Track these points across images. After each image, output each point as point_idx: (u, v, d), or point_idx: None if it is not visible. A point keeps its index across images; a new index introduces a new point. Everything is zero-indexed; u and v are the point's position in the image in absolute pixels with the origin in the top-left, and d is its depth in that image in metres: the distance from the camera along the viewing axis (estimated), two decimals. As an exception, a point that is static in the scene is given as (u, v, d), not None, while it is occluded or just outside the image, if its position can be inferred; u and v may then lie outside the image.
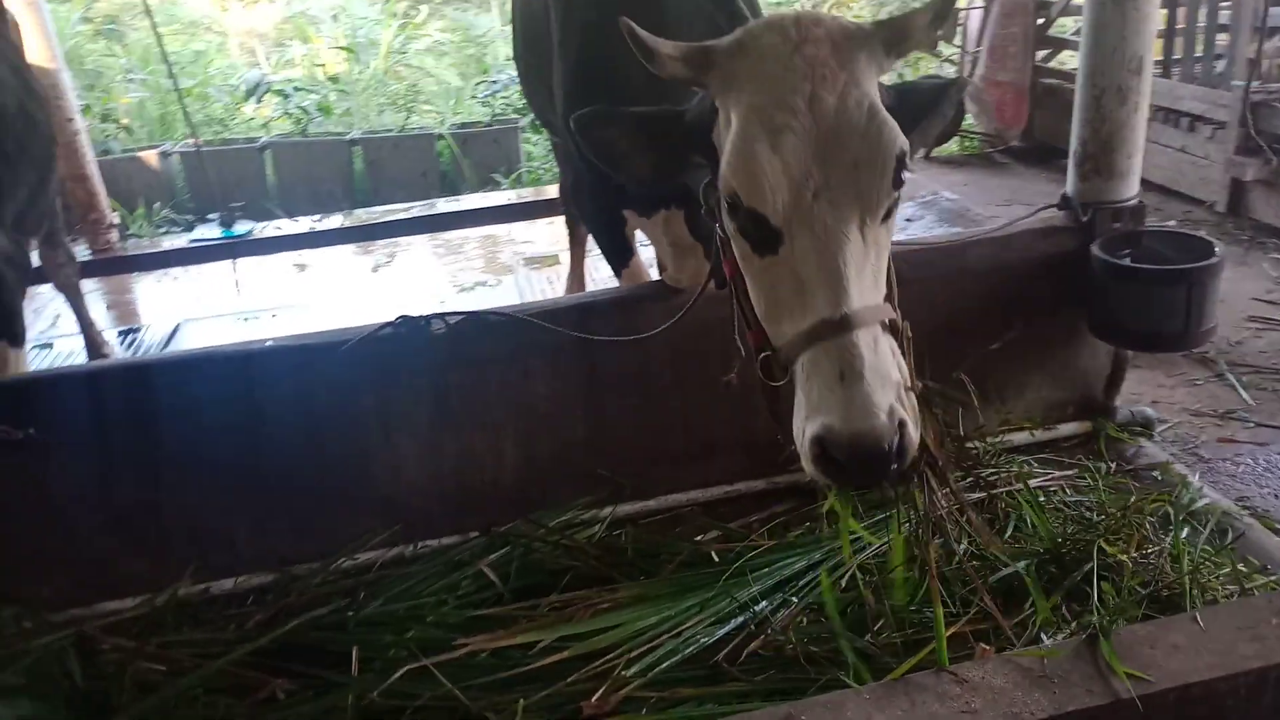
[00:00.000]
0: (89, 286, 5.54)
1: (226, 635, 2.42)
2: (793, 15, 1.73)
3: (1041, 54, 6.77)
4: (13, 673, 2.29)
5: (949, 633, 2.01)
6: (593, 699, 2.03)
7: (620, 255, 2.95)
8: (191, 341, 4.93)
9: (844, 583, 2.35)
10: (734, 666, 2.13)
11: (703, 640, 2.18)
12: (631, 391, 2.85)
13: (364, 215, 6.63)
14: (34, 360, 4.66)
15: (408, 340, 2.59)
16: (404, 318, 2.59)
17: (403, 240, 6.34)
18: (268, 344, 2.65)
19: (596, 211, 2.88)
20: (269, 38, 10.10)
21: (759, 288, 1.77)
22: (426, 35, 9.36)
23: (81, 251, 5.69)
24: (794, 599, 2.29)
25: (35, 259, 4.22)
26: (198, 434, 2.65)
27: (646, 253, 3.15)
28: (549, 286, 5.09)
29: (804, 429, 1.62)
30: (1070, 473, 2.73)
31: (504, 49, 9.00)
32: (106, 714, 2.14)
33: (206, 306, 5.39)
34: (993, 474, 2.67)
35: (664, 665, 2.11)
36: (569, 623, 2.29)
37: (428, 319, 2.59)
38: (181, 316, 5.25)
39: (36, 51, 5.04)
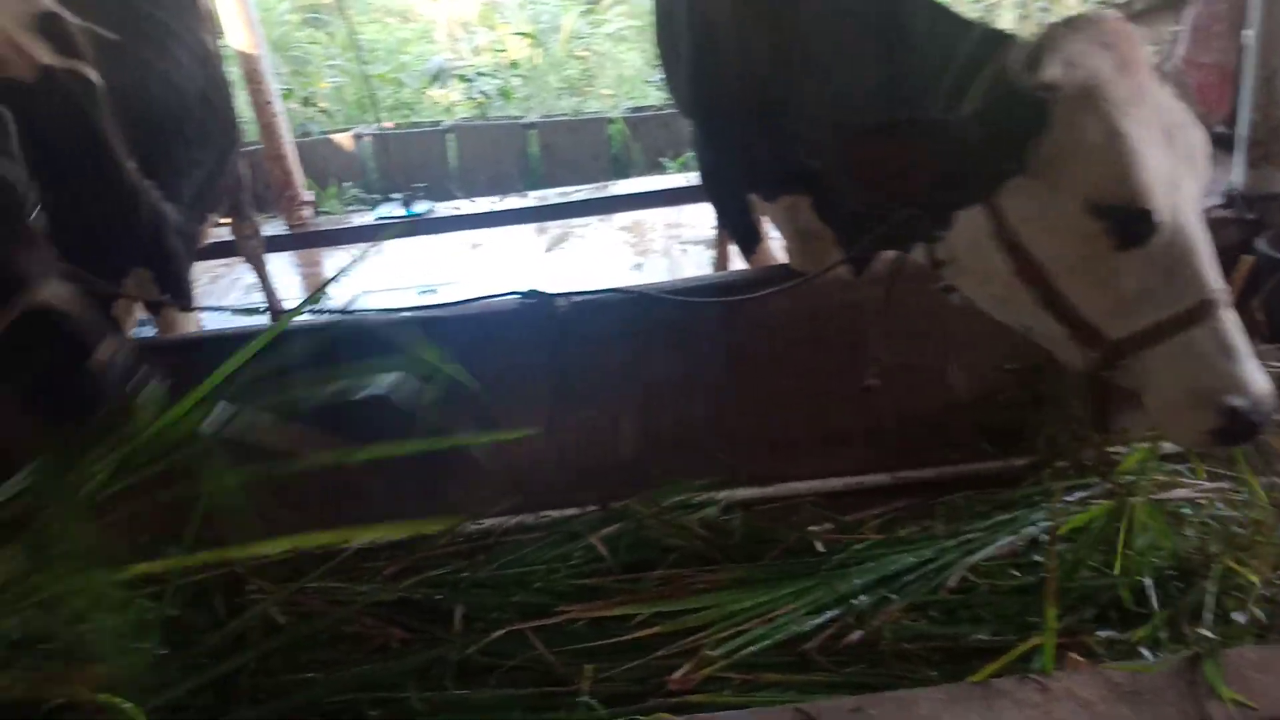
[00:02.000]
0: (284, 259, 6.02)
1: (355, 586, 2.59)
2: (1099, 15, 1.85)
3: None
4: (169, 603, 2.55)
5: (1031, 644, 1.91)
6: (677, 675, 2.05)
7: (748, 240, 2.94)
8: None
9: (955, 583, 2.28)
10: (823, 657, 2.10)
11: (794, 628, 2.15)
12: (755, 375, 2.84)
13: (537, 197, 6.85)
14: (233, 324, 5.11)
15: (534, 314, 2.68)
16: (531, 292, 2.68)
17: (575, 221, 6.53)
18: (403, 312, 2.80)
19: (723, 196, 2.89)
20: (470, 25, 10.54)
21: (1106, 284, 1.83)
22: (609, 20, 9.52)
23: (278, 226, 6.18)
24: (895, 596, 2.23)
25: (227, 233, 4.64)
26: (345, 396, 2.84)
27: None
28: (700, 269, 5.11)
29: (1199, 404, 1.76)
30: (1223, 485, 2.51)
31: (685, 33, 9.02)
32: (240, 648, 2.34)
33: (387, 280, 5.74)
34: (1131, 480, 2.49)
35: (751, 649, 2.11)
36: (667, 600, 2.32)
37: (553, 295, 2.67)
38: (363, 289, 5.61)
39: (240, 38, 5.50)
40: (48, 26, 2.64)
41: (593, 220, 6.54)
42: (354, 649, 2.38)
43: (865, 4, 2.11)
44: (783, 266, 2.86)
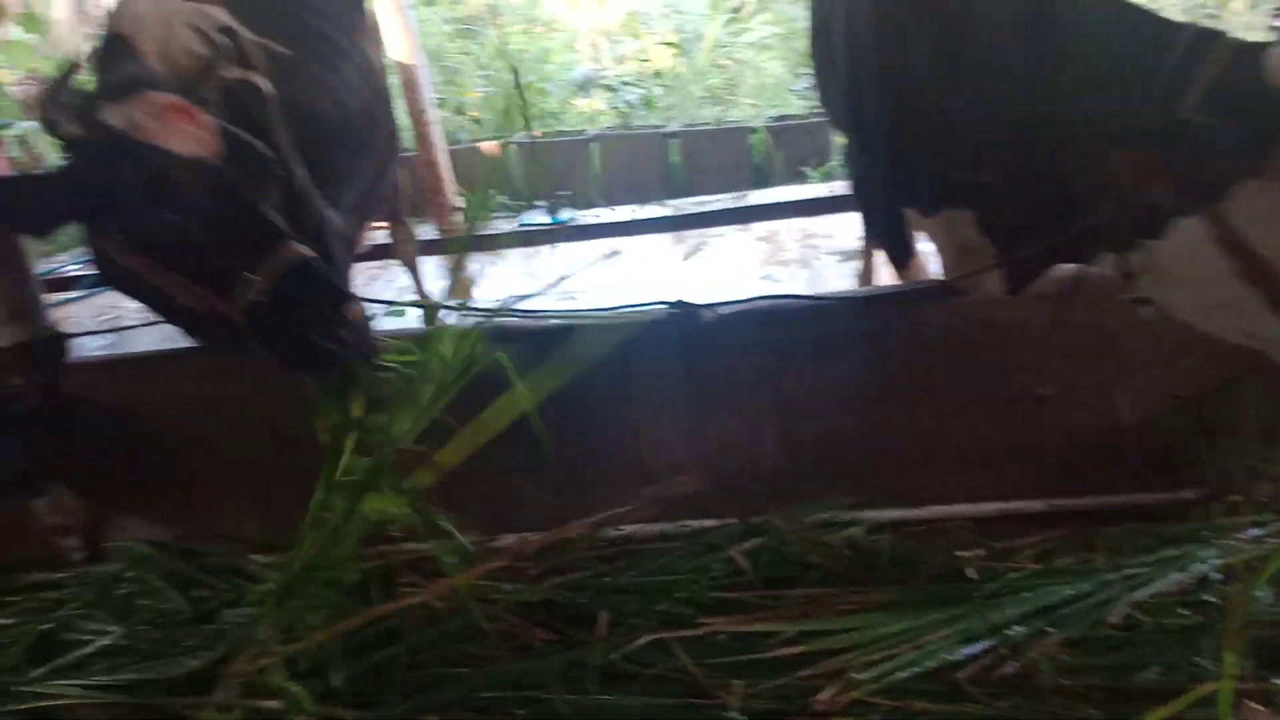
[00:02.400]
0: (433, 263, 6.23)
1: (501, 585, 2.65)
2: None
3: None
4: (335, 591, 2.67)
5: (1207, 689, 1.80)
6: (822, 695, 2.03)
7: (900, 255, 2.88)
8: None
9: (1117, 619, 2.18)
10: (976, 688, 2.04)
11: (944, 656, 2.10)
12: (905, 392, 2.77)
13: (677, 205, 6.89)
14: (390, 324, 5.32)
15: (679, 324, 2.69)
16: (678, 302, 2.69)
17: (714, 230, 6.54)
18: (554, 321, 2.86)
19: (877, 209, 2.84)
20: (612, 34, 10.68)
21: None
22: (753, 29, 9.48)
23: (428, 231, 6.40)
24: (1053, 628, 2.14)
25: (384, 236, 4.83)
26: (491, 396, 2.92)
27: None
28: (843, 282, 5.03)
29: None
30: None
31: (830, 41, 8.93)
32: (394, 638, 2.43)
33: (530, 286, 5.87)
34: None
35: (900, 675, 2.06)
36: (811, 618, 2.29)
37: (698, 305, 2.67)
38: (506, 293, 5.74)
39: (400, 50, 5.73)
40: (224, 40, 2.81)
41: (732, 229, 6.54)
42: (499, 646, 2.44)
43: (1051, 6, 2.03)
44: (937, 281, 2.78)
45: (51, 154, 8.68)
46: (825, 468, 2.84)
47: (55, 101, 2.08)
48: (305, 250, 2.11)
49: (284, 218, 2.79)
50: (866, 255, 4.28)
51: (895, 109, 2.46)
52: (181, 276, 2.10)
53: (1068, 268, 2.37)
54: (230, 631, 2.47)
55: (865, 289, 3.68)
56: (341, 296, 2.11)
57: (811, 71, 3.63)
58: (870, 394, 2.77)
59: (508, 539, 2.90)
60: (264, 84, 2.81)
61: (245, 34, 2.88)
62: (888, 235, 2.90)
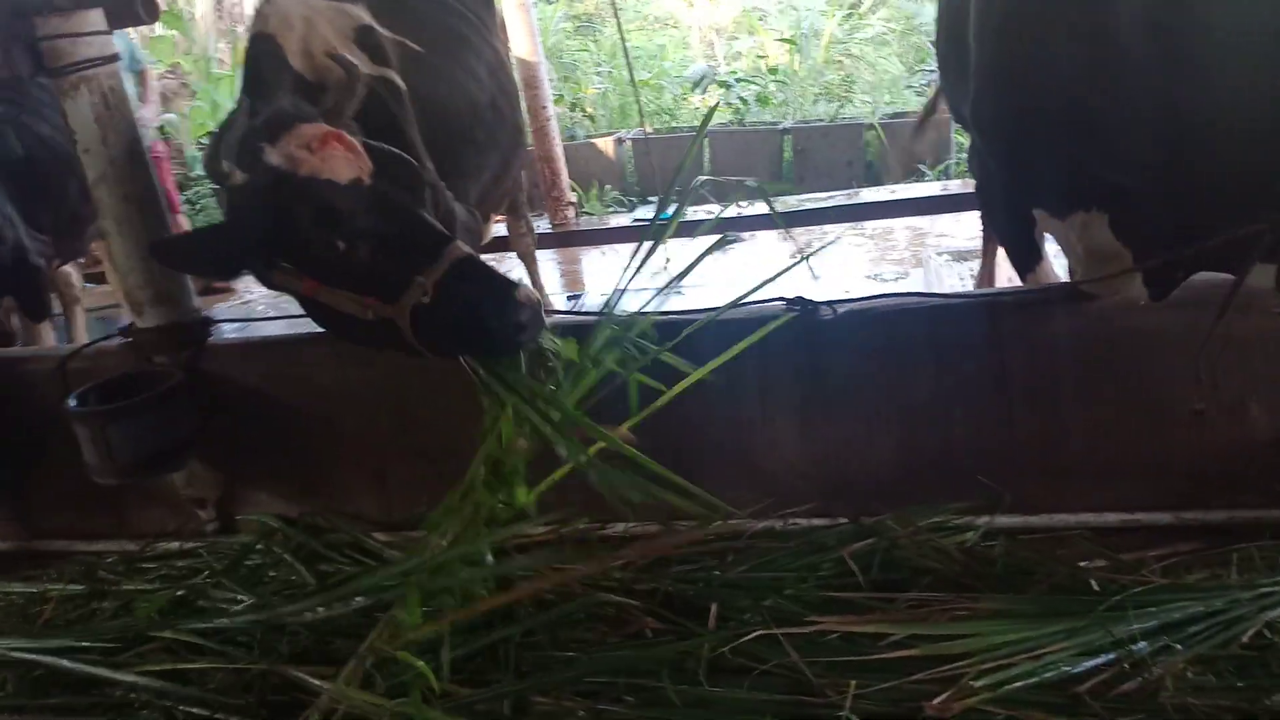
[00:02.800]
0: (546, 255, 6.34)
1: (614, 572, 2.69)
2: None
3: None
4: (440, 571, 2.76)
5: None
6: (936, 701, 2.00)
7: (1026, 258, 2.80)
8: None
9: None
10: (1097, 702, 1.98)
11: (1065, 668, 2.04)
12: (1027, 397, 2.70)
13: (789, 203, 6.85)
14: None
15: (796, 322, 2.69)
16: (797, 299, 2.68)
17: (824, 228, 6.47)
18: (672, 312, 2.88)
19: (1003, 209, 2.76)
20: (725, 31, 10.68)
21: None
22: (870, 25, 9.35)
23: (543, 224, 6.52)
24: (1180, 645, 2.07)
25: (502, 229, 4.94)
26: (613, 385, 2.96)
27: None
28: (960, 282, 4.92)
29: None
30: None
31: (948, 37, 8.75)
32: (507, 619, 2.49)
33: (640, 279, 5.91)
34: None
35: (1017, 684, 2.02)
36: (923, 622, 2.26)
37: (817, 303, 2.66)
38: (618, 286, 5.81)
39: (522, 47, 5.84)
40: (364, 38, 2.92)
41: (843, 226, 6.45)
42: (609, 633, 2.48)
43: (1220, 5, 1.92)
44: (1065, 285, 2.71)
45: (189, 143, 9.14)
46: (940, 471, 2.79)
47: (218, 154, 2.22)
48: (466, 248, 2.20)
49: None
50: (987, 256, 4.18)
51: (1030, 106, 2.40)
52: (351, 292, 2.21)
53: (1213, 276, 2.28)
54: (356, 606, 2.56)
55: (990, 290, 3.60)
56: (509, 283, 2.19)
57: (935, 66, 3.57)
58: (990, 398, 2.71)
59: (619, 526, 2.95)
60: (399, 81, 2.91)
61: (383, 31, 2.99)
62: (1013, 237, 2.83)
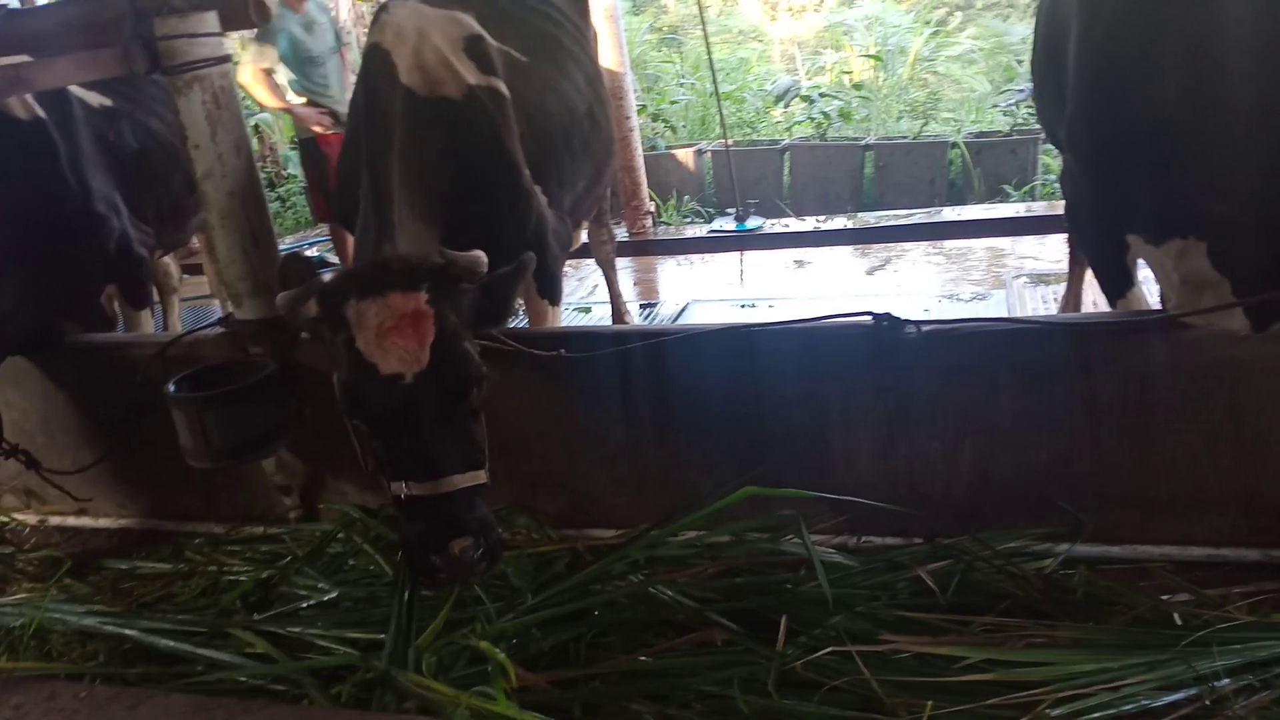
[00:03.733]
0: (622, 264, 6.39)
1: (680, 578, 2.71)
2: None
3: None
4: (516, 566, 2.81)
5: None
6: (1010, 727, 1.98)
7: (1118, 284, 2.75)
8: (698, 321, 5.47)
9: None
10: (1177, 738, 1.94)
11: (1144, 702, 2.01)
12: (1114, 424, 2.65)
13: (867, 219, 6.81)
14: (574, 320, 5.53)
15: (881, 338, 2.68)
16: (884, 315, 2.67)
17: (901, 246, 6.43)
18: (757, 324, 2.90)
19: (1095, 234, 2.72)
20: (808, 45, 10.67)
21: None
22: (957, 43, 9.25)
23: (620, 233, 6.58)
24: (1263, 685, 2.01)
25: (583, 236, 5.00)
26: (686, 396, 2.99)
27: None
28: (1043, 306, 4.85)
29: None
30: None
31: (1036, 57, 8.64)
32: (579, 619, 2.53)
33: (714, 291, 5.95)
34: None
35: (1095, 715, 1.99)
36: (999, 647, 2.24)
37: (903, 320, 2.65)
38: (692, 297, 5.85)
39: (609, 58, 5.92)
40: (473, 48, 3.00)
41: (922, 245, 6.40)
42: (678, 640, 2.49)
43: None
44: (1156, 312, 2.65)
45: (283, 142, 9.40)
46: (1019, 496, 2.76)
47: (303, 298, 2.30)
48: (459, 482, 2.21)
49: (506, 218, 2.97)
50: (1074, 279, 4.11)
51: (1129, 129, 2.37)
52: (361, 443, 2.31)
53: None
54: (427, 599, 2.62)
55: (1082, 315, 3.53)
56: (450, 533, 2.19)
57: (1022, 86, 3.53)
58: (1076, 424, 2.67)
59: (689, 534, 2.96)
60: (504, 90, 2.98)
61: (490, 40, 3.06)
62: (1105, 261, 2.78)
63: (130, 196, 3.98)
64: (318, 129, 5.90)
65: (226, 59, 2.98)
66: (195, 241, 5.20)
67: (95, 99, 3.98)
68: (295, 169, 9.20)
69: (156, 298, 5.00)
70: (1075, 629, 2.29)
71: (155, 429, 3.10)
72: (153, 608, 2.95)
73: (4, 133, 3.34)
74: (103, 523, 3.68)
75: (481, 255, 2.25)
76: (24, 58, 3.09)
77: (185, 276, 5.79)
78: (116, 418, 3.41)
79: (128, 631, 2.76)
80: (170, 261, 5.22)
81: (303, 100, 6.00)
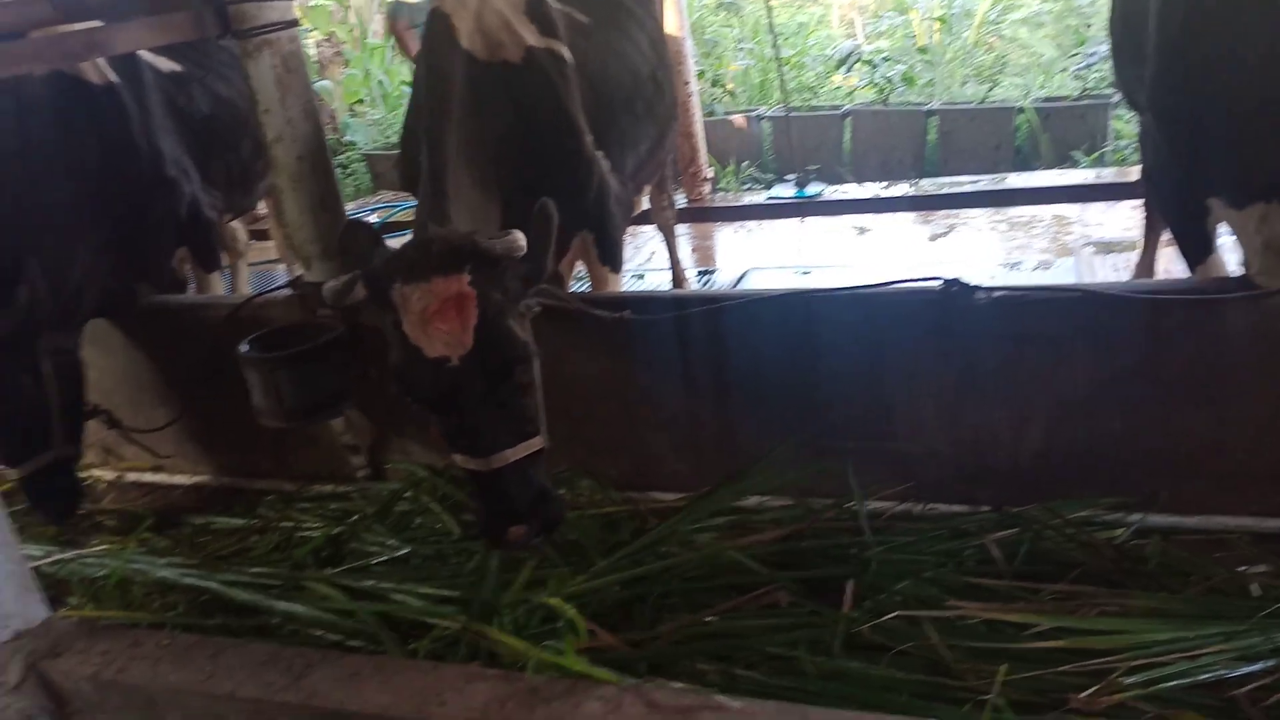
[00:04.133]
0: (680, 230, 6.36)
1: (739, 542, 2.71)
2: None
3: None
4: (581, 529, 2.84)
5: None
6: (1082, 694, 1.96)
7: (1197, 250, 2.67)
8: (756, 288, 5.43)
9: None
10: (1254, 708, 1.91)
11: (1221, 671, 1.98)
12: (1191, 393, 2.59)
13: (929, 185, 6.69)
14: (628, 287, 5.52)
15: (950, 305, 2.64)
16: (953, 280, 2.63)
17: (964, 212, 6.30)
18: (819, 290, 2.87)
19: (1176, 198, 2.65)
20: (868, 9, 10.46)
21: None
22: (1025, 5, 9.00)
23: (679, 199, 6.54)
24: (1347, 658, 1.97)
25: (645, 202, 4.98)
26: (748, 362, 2.98)
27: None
28: (1113, 274, 4.73)
29: None
30: None
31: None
32: (642, 582, 2.55)
33: (772, 258, 5.90)
34: None
35: (1169, 684, 1.96)
36: (1071, 615, 2.22)
37: (974, 287, 2.61)
38: (750, 265, 5.81)
39: (669, 22, 5.85)
40: (535, 10, 2.99)
41: (986, 213, 6.27)
42: (743, 601, 2.51)
43: None
44: (1239, 279, 2.58)
45: (341, 111, 9.48)
46: (1090, 465, 2.72)
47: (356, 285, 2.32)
48: (510, 456, 2.25)
49: (567, 184, 2.96)
50: (1148, 247, 4.00)
51: (1213, 90, 2.29)
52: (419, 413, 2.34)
53: None
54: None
55: (1158, 282, 3.45)
56: (509, 519, 2.27)
57: (1092, 50, 3.43)
58: (1149, 393, 2.62)
59: (753, 499, 2.97)
60: (565, 53, 2.97)
61: (552, 2, 3.05)
62: (1185, 227, 2.70)
63: (199, 161, 4.05)
64: None
65: (295, 23, 3.01)
66: (261, 207, 5.28)
67: (165, 64, 4.04)
68: (354, 136, 9.29)
69: (225, 261, 5.09)
70: (1149, 598, 2.26)
71: (229, 389, 3.17)
72: (228, 561, 3.03)
73: (78, 97, 3.41)
74: (178, 479, 3.79)
75: (519, 236, 2.23)
76: (97, 23, 3.15)
77: (252, 241, 5.89)
78: (192, 377, 3.50)
79: (206, 583, 2.84)
80: (238, 226, 5.31)
81: None
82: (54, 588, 2.91)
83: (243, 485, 3.67)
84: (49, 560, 3.03)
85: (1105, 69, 7.42)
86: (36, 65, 2.82)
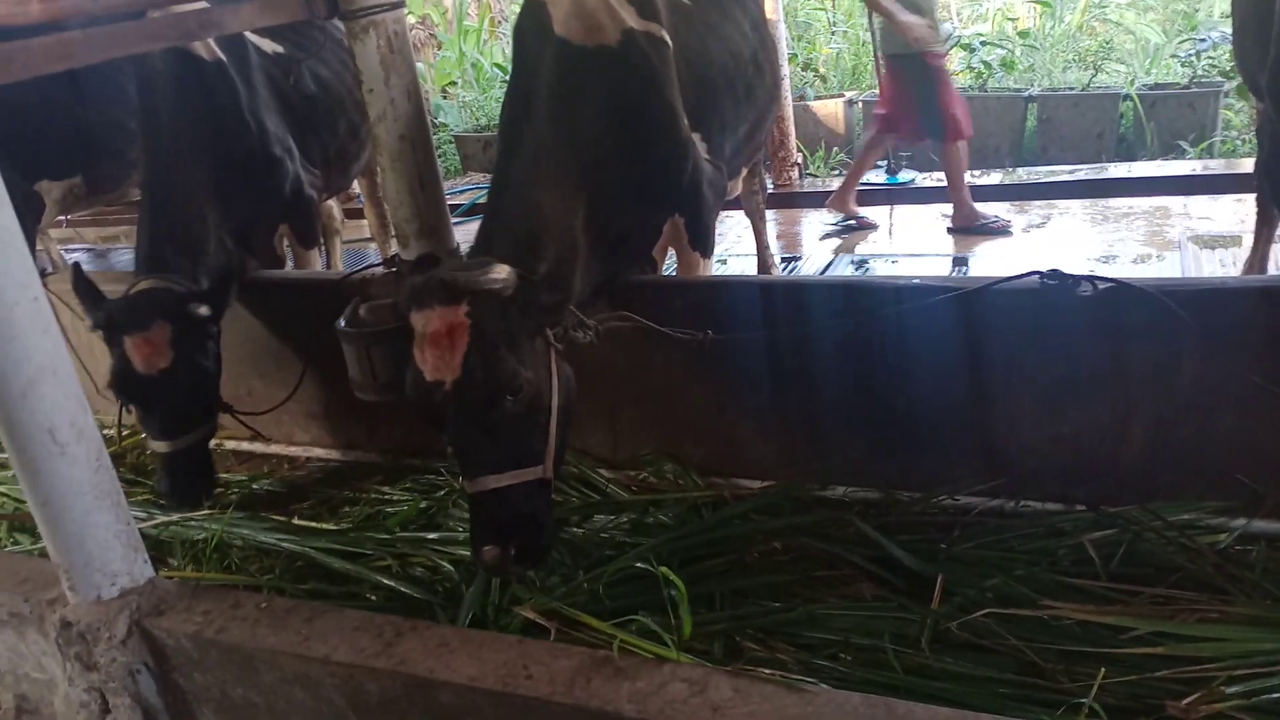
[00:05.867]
0: (766, 215, 6.31)
1: (834, 532, 2.69)
2: None
3: None
4: (663, 511, 2.86)
5: None
6: (1182, 702, 1.90)
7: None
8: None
9: None
10: (1369, 727, 1.83)
11: (1333, 687, 1.90)
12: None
13: (1025, 174, 6.51)
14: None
15: (1051, 297, 2.57)
16: (1054, 272, 2.56)
17: (1060, 203, 6.13)
18: (915, 280, 2.82)
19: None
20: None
21: None
22: (1134, -13, 8.68)
23: (767, 184, 6.48)
24: None
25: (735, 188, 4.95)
26: (836, 351, 2.94)
27: None
28: (1219, 269, 4.55)
29: None
30: None
31: (1219, 3, 8.03)
32: (726, 579, 2.54)
33: (861, 246, 5.82)
34: None
35: (1273, 695, 1.89)
36: (1170, 620, 2.15)
37: (1077, 278, 2.53)
38: (838, 252, 5.74)
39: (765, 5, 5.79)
40: (634, -9, 2.97)
41: (1084, 203, 6.08)
42: (826, 592, 2.49)
43: None
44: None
45: (434, 93, 9.60)
46: (1194, 466, 2.62)
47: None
48: (492, 483, 2.29)
49: (660, 169, 2.95)
50: (1260, 240, 3.84)
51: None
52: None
53: None
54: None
55: (1273, 277, 3.31)
56: (484, 539, 2.30)
57: (1202, 35, 3.28)
58: (1261, 393, 2.51)
59: (839, 489, 2.95)
60: (665, 35, 2.96)
61: (651, -15, 3.03)
62: (1305, 221, 2.59)
63: (300, 141, 4.15)
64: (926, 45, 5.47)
65: (401, 4, 3.06)
66: (355, 186, 5.40)
67: (268, 45, 4.15)
68: (446, 117, 9.41)
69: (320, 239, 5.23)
70: (1253, 606, 2.18)
71: (326, 362, 3.25)
72: (322, 528, 3.12)
73: (191, 72, 3.53)
74: (274, 449, 3.91)
75: (495, 274, 2.24)
76: (205, 4, 3.25)
77: (345, 220, 6.03)
78: (294, 350, 3.60)
79: (301, 549, 2.94)
80: (334, 205, 5.44)
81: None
82: (155, 549, 3.03)
83: (336, 457, 3.77)
84: (152, 523, 3.16)
85: (1216, 55, 7.12)
86: (155, 44, 2.91)
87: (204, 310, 3.12)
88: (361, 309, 2.53)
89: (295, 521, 3.18)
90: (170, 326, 3.06)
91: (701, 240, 3.27)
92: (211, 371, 3.26)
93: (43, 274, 4.17)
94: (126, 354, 3.04)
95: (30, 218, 4.39)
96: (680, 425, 3.17)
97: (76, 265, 3.25)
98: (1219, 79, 6.93)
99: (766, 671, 1.95)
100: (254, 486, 3.55)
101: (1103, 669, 1.96)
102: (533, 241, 2.47)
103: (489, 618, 2.50)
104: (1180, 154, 6.57)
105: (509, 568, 2.30)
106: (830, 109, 7.65)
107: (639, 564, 2.46)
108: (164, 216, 3.35)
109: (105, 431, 3.82)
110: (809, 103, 7.64)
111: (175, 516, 3.20)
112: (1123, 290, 2.51)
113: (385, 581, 2.75)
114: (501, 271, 2.23)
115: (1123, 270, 4.86)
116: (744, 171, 3.91)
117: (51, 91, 4.18)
